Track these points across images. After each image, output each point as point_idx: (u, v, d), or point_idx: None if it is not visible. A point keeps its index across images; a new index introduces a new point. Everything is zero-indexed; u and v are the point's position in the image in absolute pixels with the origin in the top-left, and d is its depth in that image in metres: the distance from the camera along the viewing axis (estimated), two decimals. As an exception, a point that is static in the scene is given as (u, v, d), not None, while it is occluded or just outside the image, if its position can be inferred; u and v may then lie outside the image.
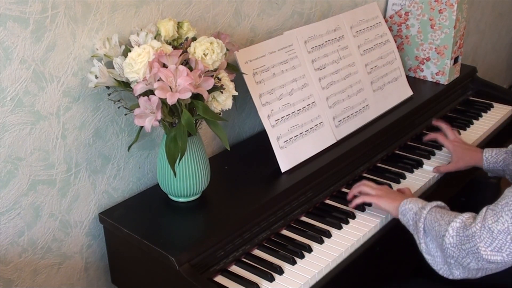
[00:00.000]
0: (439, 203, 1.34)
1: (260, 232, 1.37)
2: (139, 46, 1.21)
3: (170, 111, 1.25)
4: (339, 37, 1.79)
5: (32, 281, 1.34)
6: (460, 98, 2.17)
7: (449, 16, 2.00)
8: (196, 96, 1.21)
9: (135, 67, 1.17)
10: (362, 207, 1.50)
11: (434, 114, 2.00)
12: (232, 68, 1.36)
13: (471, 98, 2.20)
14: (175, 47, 1.26)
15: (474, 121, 2.02)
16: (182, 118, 1.21)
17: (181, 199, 1.39)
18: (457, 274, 1.25)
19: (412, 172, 1.68)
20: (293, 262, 1.30)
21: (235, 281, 1.25)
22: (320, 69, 1.69)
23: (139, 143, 1.45)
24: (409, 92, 2.00)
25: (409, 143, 1.86)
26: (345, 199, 1.53)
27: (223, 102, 1.29)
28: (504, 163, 1.56)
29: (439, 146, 1.81)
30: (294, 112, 1.58)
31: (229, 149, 1.30)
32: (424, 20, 2.06)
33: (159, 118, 1.18)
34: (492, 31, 3.33)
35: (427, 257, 1.30)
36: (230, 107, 1.30)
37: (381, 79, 1.90)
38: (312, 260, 1.31)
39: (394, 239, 1.51)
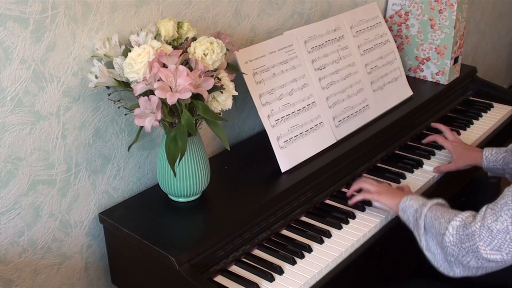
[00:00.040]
0: (440, 200, 1.34)
1: (260, 232, 1.37)
2: (139, 46, 1.21)
3: (170, 111, 1.25)
4: (339, 37, 1.79)
5: (32, 281, 1.34)
6: (460, 98, 2.17)
7: (449, 16, 2.00)
8: (196, 96, 1.21)
9: (135, 67, 1.17)
10: (362, 207, 1.50)
11: (434, 114, 2.00)
12: (232, 68, 1.36)
13: (471, 98, 2.20)
14: (175, 47, 1.26)
15: (474, 121, 2.02)
16: (182, 118, 1.21)
17: (181, 199, 1.39)
18: (457, 271, 1.25)
19: (412, 172, 1.69)
20: (293, 262, 1.30)
21: (235, 281, 1.25)
22: (320, 69, 1.69)
23: (139, 143, 1.45)
24: (409, 92, 2.00)
25: (409, 143, 1.86)
26: (345, 199, 1.53)
27: (223, 102, 1.29)
28: (504, 162, 1.56)
29: (439, 146, 1.81)
30: (294, 112, 1.58)
31: (229, 149, 1.30)
32: (424, 20, 2.06)
33: (159, 118, 1.18)
34: (492, 31, 3.33)
35: (427, 254, 1.30)
36: (230, 107, 1.30)
37: (381, 79, 1.90)
38: (312, 260, 1.31)
39: (394, 239, 1.52)
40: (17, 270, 1.30)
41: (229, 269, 1.29)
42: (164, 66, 1.18)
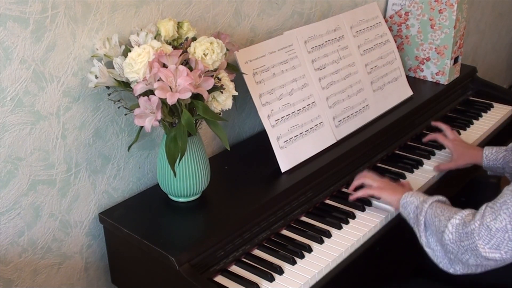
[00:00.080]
0: (440, 197, 1.34)
1: (260, 232, 1.37)
2: (139, 46, 1.21)
3: (170, 111, 1.25)
4: (339, 37, 1.79)
5: (32, 281, 1.34)
6: (460, 98, 2.17)
7: (449, 16, 2.00)
8: (196, 96, 1.21)
9: (135, 67, 1.17)
10: (362, 207, 1.50)
11: (434, 114, 2.00)
12: (232, 68, 1.36)
13: (471, 98, 2.20)
14: (175, 47, 1.26)
15: (474, 121, 2.02)
16: (182, 118, 1.21)
17: (181, 199, 1.39)
18: (457, 268, 1.26)
19: (412, 172, 1.69)
20: (293, 262, 1.30)
21: (235, 281, 1.25)
22: (320, 69, 1.69)
23: (139, 143, 1.45)
24: (409, 92, 2.00)
25: (409, 143, 1.86)
26: (345, 199, 1.53)
27: (223, 102, 1.29)
28: (504, 160, 1.57)
29: (439, 146, 1.81)
30: (294, 112, 1.58)
31: (229, 149, 1.30)
32: (424, 20, 2.06)
33: (159, 118, 1.18)
34: (492, 31, 3.33)
35: (427, 250, 1.31)
36: (230, 107, 1.30)
37: (381, 79, 1.90)
38: (312, 260, 1.31)
39: (394, 239, 1.52)
40: (17, 270, 1.30)
41: (229, 269, 1.29)
42: (164, 66, 1.18)
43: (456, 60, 2.11)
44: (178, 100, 1.16)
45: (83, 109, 1.31)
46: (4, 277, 1.28)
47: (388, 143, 1.79)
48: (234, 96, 1.30)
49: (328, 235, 1.40)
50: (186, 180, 1.33)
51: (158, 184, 1.41)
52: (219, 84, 1.26)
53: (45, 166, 1.28)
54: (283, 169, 1.51)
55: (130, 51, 1.19)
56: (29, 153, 1.24)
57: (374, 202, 1.52)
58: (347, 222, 1.44)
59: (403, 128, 1.86)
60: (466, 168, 1.72)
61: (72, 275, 1.43)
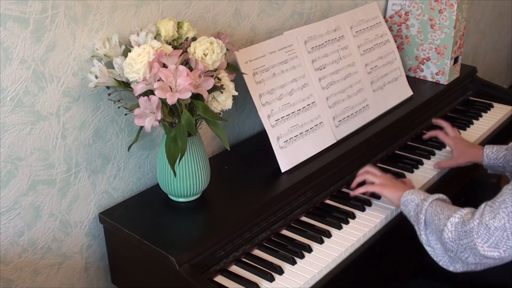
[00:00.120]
0: (441, 195, 1.35)
1: (260, 232, 1.37)
2: (139, 46, 1.21)
3: (170, 111, 1.25)
4: (339, 37, 1.79)
5: (32, 281, 1.34)
6: (460, 98, 2.17)
7: (449, 16, 2.00)
8: (196, 96, 1.21)
9: (135, 67, 1.17)
10: (362, 207, 1.50)
11: (434, 114, 2.00)
12: (232, 68, 1.36)
13: (471, 98, 2.20)
14: (175, 47, 1.26)
15: (474, 121, 2.02)
16: (182, 118, 1.21)
17: (181, 199, 1.39)
18: (457, 267, 1.27)
19: (412, 172, 1.69)
20: (293, 262, 1.30)
21: (235, 281, 1.25)
22: (320, 69, 1.69)
23: (139, 143, 1.45)
24: (409, 92, 2.00)
25: (409, 143, 1.86)
26: (345, 199, 1.53)
27: (223, 102, 1.29)
28: (504, 159, 1.57)
29: (439, 146, 1.81)
30: (294, 112, 1.58)
31: (229, 149, 1.30)
32: (424, 20, 2.06)
33: (159, 118, 1.18)
34: (492, 31, 3.33)
35: (427, 248, 1.31)
36: (230, 107, 1.30)
37: (381, 79, 1.90)
38: (312, 260, 1.31)
39: (394, 239, 1.52)
40: (17, 270, 1.30)
41: (229, 269, 1.29)
42: (164, 66, 1.18)
43: (456, 60, 2.11)
44: (178, 100, 1.16)
45: (83, 109, 1.31)
46: (4, 277, 1.28)
47: (388, 143, 1.79)
48: (234, 96, 1.30)
49: (328, 235, 1.40)
50: (186, 180, 1.33)
51: (158, 184, 1.41)
52: (219, 84, 1.26)
53: (45, 166, 1.28)
54: (283, 169, 1.51)
55: (130, 51, 1.19)
56: (29, 153, 1.24)
57: (374, 202, 1.52)
58: (347, 222, 1.44)
59: (403, 128, 1.86)
60: (466, 167, 1.72)
61: (72, 275, 1.43)
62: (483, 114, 2.06)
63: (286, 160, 1.53)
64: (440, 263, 1.29)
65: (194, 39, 1.28)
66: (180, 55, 1.19)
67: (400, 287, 1.49)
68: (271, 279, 1.25)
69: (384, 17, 2.12)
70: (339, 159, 1.60)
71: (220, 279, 1.26)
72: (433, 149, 1.80)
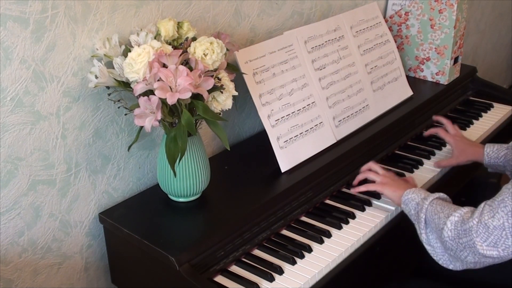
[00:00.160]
0: (441, 194, 1.35)
1: (260, 232, 1.37)
2: (139, 46, 1.21)
3: (170, 111, 1.25)
4: (339, 37, 1.79)
5: (32, 281, 1.34)
6: (460, 98, 2.17)
7: (449, 16, 2.00)
8: (196, 96, 1.21)
9: (135, 67, 1.17)
10: (362, 207, 1.50)
11: (434, 114, 2.00)
12: (232, 68, 1.36)
13: (471, 98, 2.20)
14: (175, 47, 1.26)
15: (474, 121, 2.02)
16: (182, 118, 1.21)
17: (181, 199, 1.39)
18: (457, 265, 1.27)
19: (412, 172, 1.69)
20: (293, 262, 1.30)
21: (235, 281, 1.25)
22: (320, 69, 1.69)
23: (139, 143, 1.45)
24: (409, 92, 2.00)
25: (409, 143, 1.86)
26: (345, 199, 1.53)
27: (223, 102, 1.29)
28: (505, 159, 1.57)
29: (439, 146, 1.81)
30: (294, 112, 1.58)
31: (229, 149, 1.30)
32: (424, 20, 2.06)
33: (159, 118, 1.18)
34: (492, 31, 3.33)
35: (427, 247, 1.31)
36: (230, 107, 1.30)
37: (381, 79, 1.90)
38: (312, 260, 1.31)
39: (394, 239, 1.52)
40: (17, 270, 1.30)
41: (229, 269, 1.29)
42: (164, 66, 1.18)
43: (456, 60, 2.11)
44: (178, 100, 1.16)
45: (83, 109, 1.31)
46: (4, 277, 1.28)
47: (388, 143, 1.79)
48: (234, 96, 1.30)
49: (328, 235, 1.40)
50: (186, 180, 1.33)
51: (158, 184, 1.41)
52: (219, 84, 1.26)
53: (45, 166, 1.28)
54: (283, 169, 1.51)
55: (130, 51, 1.19)
56: (29, 153, 1.24)
57: (374, 202, 1.52)
58: (347, 222, 1.44)
59: (403, 128, 1.86)
60: (466, 167, 1.72)
61: (72, 275, 1.43)
62: (483, 114, 2.06)
63: (286, 160, 1.53)
64: (440, 262, 1.29)
65: (194, 39, 1.28)
66: (180, 55, 1.19)
67: (400, 287, 1.49)
68: (271, 279, 1.25)
69: (384, 17, 2.12)
70: (339, 159, 1.60)
71: (220, 279, 1.26)
72: (433, 149, 1.80)
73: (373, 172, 1.53)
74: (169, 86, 1.16)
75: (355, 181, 1.56)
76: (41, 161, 1.27)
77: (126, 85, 1.25)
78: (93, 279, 1.48)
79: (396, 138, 1.83)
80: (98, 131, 1.36)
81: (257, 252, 1.35)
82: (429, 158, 1.76)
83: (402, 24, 2.12)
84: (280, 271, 1.27)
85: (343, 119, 1.72)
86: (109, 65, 1.26)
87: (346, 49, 1.80)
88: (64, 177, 1.32)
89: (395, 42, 2.04)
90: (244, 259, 1.32)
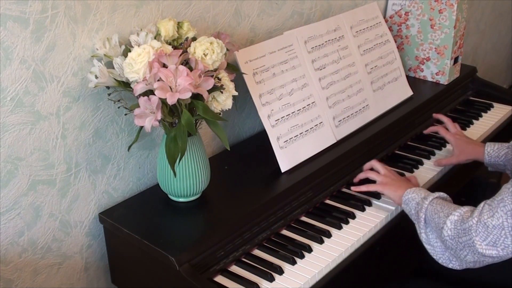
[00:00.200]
0: (441, 194, 1.35)
1: (260, 232, 1.37)
2: (139, 46, 1.21)
3: (170, 111, 1.25)
4: (339, 37, 1.79)
5: (32, 281, 1.34)
6: (460, 98, 2.17)
7: (449, 16, 2.00)
8: (196, 96, 1.21)
9: (135, 67, 1.17)
10: (362, 207, 1.50)
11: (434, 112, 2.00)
12: (232, 68, 1.36)
13: (471, 98, 2.20)
14: (175, 47, 1.26)
15: (474, 121, 2.02)
16: (182, 118, 1.21)
17: (181, 199, 1.39)
18: (456, 264, 1.27)
19: (412, 172, 1.68)
20: (293, 262, 1.30)
21: (235, 281, 1.25)
22: (320, 69, 1.69)
23: (139, 143, 1.45)
24: (409, 92, 2.00)
25: (409, 143, 1.86)
26: (345, 199, 1.54)
27: (223, 102, 1.29)
28: (505, 158, 1.56)
29: (439, 146, 1.81)
30: (294, 112, 1.58)
31: (229, 149, 1.30)
32: (424, 20, 2.06)
33: (159, 118, 1.18)
34: (492, 31, 3.33)
35: (427, 247, 1.32)
36: (230, 107, 1.30)
37: (381, 79, 1.90)
38: (312, 260, 1.31)
39: (394, 239, 1.52)
40: (17, 270, 1.30)
41: (229, 269, 1.29)
42: (164, 66, 1.18)
43: (456, 60, 2.11)
44: (178, 100, 1.16)
45: (83, 109, 1.31)
46: (4, 277, 1.28)
47: (388, 143, 1.79)
48: (234, 96, 1.30)
49: (328, 235, 1.40)
50: (186, 180, 1.33)
51: (158, 184, 1.41)
52: (219, 84, 1.26)
53: (45, 166, 1.28)
54: (283, 169, 1.51)
55: (130, 51, 1.19)
56: (29, 153, 1.24)
57: (374, 202, 1.52)
58: (347, 222, 1.44)
59: (403, 128, 1.86)
60: (466, 167, 1.72)
61: (72, 275, 1.43)
62: (483, 114, 2.06)
63: (286, 160, 1.53)
64: (440, 261, 1.30)
65: (194, 39, 1.28)
66: (180, 55, 1.19)
67: (400, 287, 1.49)
68: (271, 279, 1.25)
69: (384, 17, 2.12)
70: (339, 159, 1.60)
71: (220, 279, 1.26)
72: (433, 149, 1.80)
73: (374, 172, 1.53)
74: (169, 86, 1.16)
75: (356, 179, 1.56)
76: (41, 161, 1.27)
77: (126, 85, 1.25)
78: (93, 279, 1.48)
79: (396, 138, 1.83)
80: (98, 131, 1.36)
81: (257, 252, 1.35)
82: (429, 158, 1.76)
83: (402, 24, 2.12)
84: (280, 271, 1.27)
85: (343, 119, 1.72)
86: (109, 65, 1.26)
87: (346, 49, 1.80)
88: (64, 177, 1.32)
89: (395, 42, 2.04)
90: (244, 259, 1.32)
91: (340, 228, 1.42)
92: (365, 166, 1.58)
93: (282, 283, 1.24)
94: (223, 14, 1.57)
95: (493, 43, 3.41)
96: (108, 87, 1.28)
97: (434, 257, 1.30)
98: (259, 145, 1.61)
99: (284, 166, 1.52)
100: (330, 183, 1.57)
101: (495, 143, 1.61)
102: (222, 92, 1.27)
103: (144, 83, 1.17)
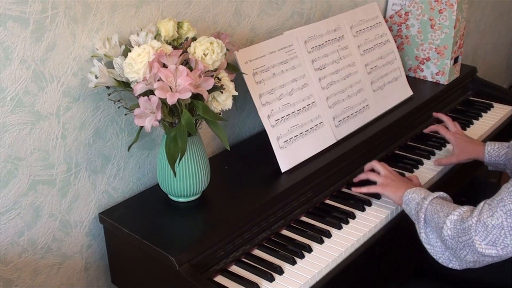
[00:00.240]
0: (441, 193, 1.35)
1: (260, 232, 1.37)
2: (139, 46, 1.21)
3: (170, 111, 1.25)
4: (339, 37, 1.79)
5: (32, 281, 1.34)
6: (460, 98, 2.17)
7: (449, 16, 2.00)
8: (196, 96, 1.21)
9: (135, 67, 1.17)
10: (362, 207, 1.50)
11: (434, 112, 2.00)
12: (232, 68, 1.36)
13: (471, 98, 2.20)
14: (175, 47, 1.26)
15: (474, 121, 2.02)
16: (182, 118, 1.21)
17: (181, 199, 1.39)
18: (456, 264, 1.27)
19: (412, 172, 1.68)
20: (293, 262, 1.30)
21: (235, 281, 1.25)
22: (320, 69, 1.69)
23: (139, 143, 1.45)
24: (409, 92, 2.00)
25: (409, 143, 1.86)
26: (345, 199, 1.54)
27: (223, 102, 1.29)
28: (505, 157, 1.56)
29: (439, 146, 1.81)
30: (294, 112, 1.58)
31: (229, 149, 1.30)
32: (424, 20, 2.06)
33: (159, 118, 1.18)
34: (492, 31, 3.33)
35: (427, 246, 1.32)
36: (230, 107, 1.30)
37: (381, 79, 1.90)
38: (312, 260, 1.31)
39: (394, 239, 1.52)
40: (17, 270, 1.30)
41: (229, 269, 1.29)
42: (164, 66, 1.18)
43: (456, 60, 2.11)
44: (178, 100, 1.16)
45: (83, 109, 1.31)
46: (4, 277, 1.28)
47: (388, 143, 1.79)
48: (234, 96, 1.30)
49: (328, 235, 1.40)
50: (186, 180, 1.33)
51: (158, 184, 1.41)
52: (219, 84, 1.26)
53: (45, 166, 1.28)
54: (283, 169, 1.51)
55: (130, 51, 1.19)
56: (29, 153, 1.24)
57: (374, 202, 1.52)
58: (347, 222, 1.44)
59: (403, 128, 1.86)
60: (466, 167, 1.72)
61: (72, 275, 1.43)
62: (483, 114, 2.06)
63: (286, 160, 1.53)
64: (440, 261, 1.30)
65: (194, 39, 1.28)
66: (180, 55, 1.19)
67: (400, 287, 1.49)
68: (271, 279, 1.25)
69: (384, 17, 2.12)
70: (339, 159, 1.60)
71: (220, 279, 1.26)
72: (433, 149, 1.80)
73: (375, 173, 1.53)
74: (169, 86, 1.16)
75: (356, 179, 1.56)
76: (41, 161, 1.27)
77: (126, 85, 1.26)
78: (93, 279, 1.48)
79: (396, 138, 1.83)
80: (98, 131, 1.36)
81: (257, 252, 1.35)
82: (429, 158, 1.76)
83: (402, 24, 2.12)
84: (280, 271, 1.27)
85: (343, 119, 1.72)
86: (109, 65, 1.26)
87: (346, 49, 1.80)
88: (64, 177, 1.32)
89: (395, 42, 2.04)
90: (244, 259, 1.32)
91: (340, 228, 1.42)
92: (365, 166, 1.57)
93: (282, 283, 1.24)
94: (223, 14, 1.57)
95: (493, 43, 3.41)
96: (108, 87, 1.28)
97: (434, 256, 1.30)
98: (259, 145, 1.61)
99: (284, 166, 1.52)
100: (330, 183, 1.57)
101: (495, 142, 1.61)
102: (222, 92, 1.27)
103: (144, 83, 1.17)
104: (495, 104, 2.14)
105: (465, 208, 1.23)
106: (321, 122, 1.65)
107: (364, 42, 1.87)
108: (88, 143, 1.35)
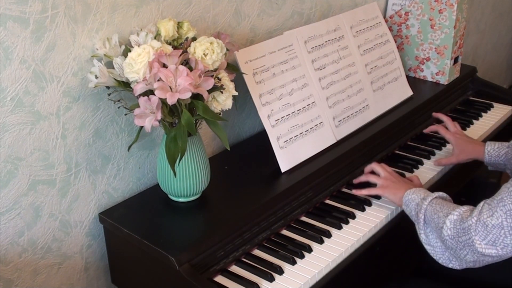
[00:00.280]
0: (441, 194, 1.35)
1: (260, 232, 1.37)
2: (139, 46, 1.21)
3: (170, 111, 1.25)
4: (339, 37, 1.79)
5: (32, 281, 1.34)
6: (460, 98, 2.17)
7: (449, 16, 2.00)
8: (196, 96, 1.21)
9: (135, 67, 1.17)
10: (362, 207, 1.50)
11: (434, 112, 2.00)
12: (232, 68, 1.36)
13: (471, 98, 2.20)
14: (175, 47, 1.26)
15: (474, 121, 2.02)
16: (182, 118, 1.21)
17: (181, 199, 1.39)
18: (456, 264, 1.27)
19: (412, 172, 1.68)
20: (293, 262, 1.30)
21: (235, 281, 1.25)
22: (320, 69, 1.69)
23: (139, 143, 1.45)
24: (409, 92, 2.00)
25: (409, 143, 1.86)
26: (345, 199, 1.53)
27: (223, 102, 1.29)
28: (505, 157, 1.56)
29: (439, 146, 1.81)
30: (294, 112, 1.58)
31: (229, 149, 1.30)
32: (424, 20, 2.06)
33: (159, 118, 1.18)
34: (492, 31, 3.33)
35: (427, 247, 1.32)
36: (230, 107, 1.30)
37: (381, 79, 1.90)
38: (312, 260, 1.31)
39: (394, 239, 1.52)
40: (17, 270, 1.30)
41: (229, 269, 1.29)
42: (164, 66, 1.18)
43: (456, 60, 2.11)
44: (178, 100, 1.16)
45: (83, 109, 1.31)
46: (4, 277, 1.28)
47: (388, 143, 1.79)
48: (234, 96, 1.30)
49: (328, 235, 1.40)
50: (186, 180, 1.33)
51: (158, 184, 1.41)
52: (219, 84, 1.26)
53: (45, 166, 1.28)
54: (283, 169, 1.51)
55: (130, 51, 1.19)
56: (29, 153, 1.24)
57: (374, 202, 1.52)
58: (347, 222, 1.44)
59: (403, 128, 1.86)
60: (466, 167, 1.72)
61: (72, 275, 1.43)
62: (483, 114, 2.06)
63: (286, 160, 1.53)
64: (440, 261, 1.30)
65: (194, 39, 1.28)
66: (180, 55, 1.19)
67: (400, 287, 1.49)
68: (271, 279, 1.25)
69: (384, 17, 2.12)
70: (339, 159, 1.60)
71: (220, 279, 1.26)
72: (433, 149, 1.80)
73: (375, 176, 1.52)
74: (169, 86, 1.16)
75: (356, 181, 1.56)
76: (41, 161, 1.27)
77: (126, 85, 1.26)
78: (93, 279, 1.48)
79: (396, 138, 1.83)
80: (98, 131, 1.36)
81: (257, 252, 1.35)
82: (429, 158, 1.76)
83: (402, 24, 2.12)
84: (280, 271, 1.27)
85: (343, 119, 1.72)
86: (109, 65, 1.26)
87: (346, 49, 1.80)
88: (64, 177, 1.32)
89: (395, 42, 2.04)
90: (244, 259, 1.32)
91: (340, 228, 1.42)
92: (366, 168, 1.57)
93: (282, 283, 1.24)
94: (223, 14, 1.57)
95: (493, 43, 3.41)
96: (108, 87, 1.28)
97: (434, 257, 1.30)
98: (259, 145, 1.61)
99: (284, 166, 1.52)
100: (330, 183, 1.57)
101: (495, 142, 1.61)
102: (222, 92, 1.27)
103: (144, 83, 1.17)
104: (495, 104, 2.14)
105: (465, 208, 1.23)
106: (321, 122, 1.65)
107: (364, 42, 1.87)
108: (88, 143, 1.35)
